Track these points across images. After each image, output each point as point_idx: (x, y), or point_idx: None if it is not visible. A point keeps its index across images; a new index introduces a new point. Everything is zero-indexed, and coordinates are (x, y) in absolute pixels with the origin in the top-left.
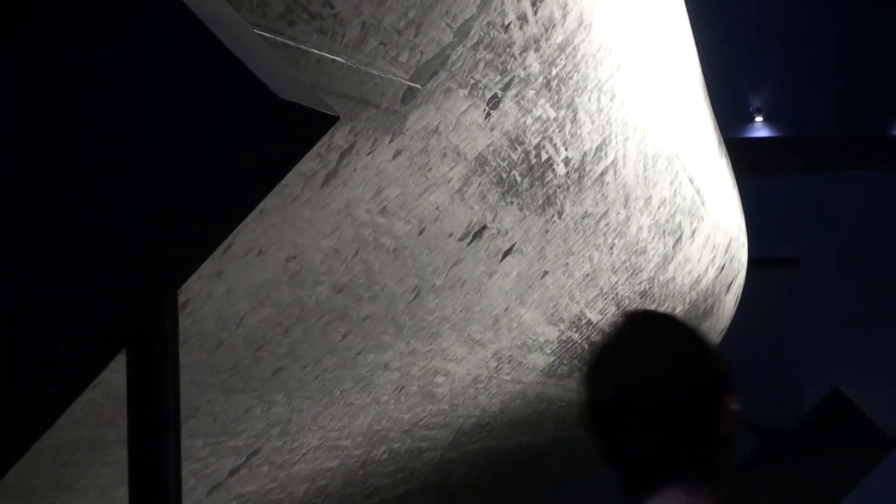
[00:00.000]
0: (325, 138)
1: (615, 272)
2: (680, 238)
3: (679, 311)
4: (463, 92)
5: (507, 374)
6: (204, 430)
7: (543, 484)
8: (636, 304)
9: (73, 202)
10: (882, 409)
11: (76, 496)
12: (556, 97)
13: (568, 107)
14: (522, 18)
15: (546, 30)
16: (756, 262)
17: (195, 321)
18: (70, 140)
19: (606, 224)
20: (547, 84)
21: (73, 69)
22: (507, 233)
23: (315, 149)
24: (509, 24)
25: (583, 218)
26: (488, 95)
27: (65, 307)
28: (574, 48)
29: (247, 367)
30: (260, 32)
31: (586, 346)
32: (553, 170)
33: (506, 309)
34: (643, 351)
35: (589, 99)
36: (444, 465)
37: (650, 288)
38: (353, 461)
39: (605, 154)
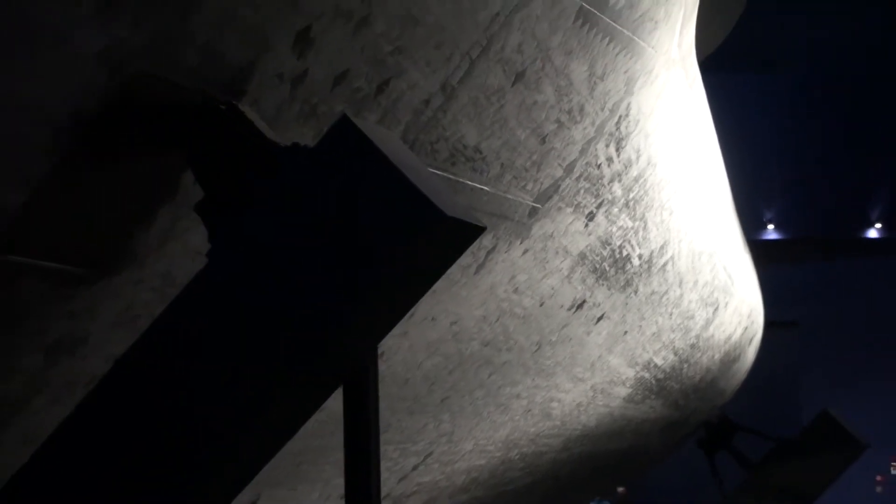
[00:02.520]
0: (477, 241)
1: (673, 331)
2: (717, 308)
3: (716, 358)
4: (569, 210)
5: (600, 401)
6: (394, 439)
7: (624, 476)
8: (687, 353)
9: (314, 300)
10: (859, 427)
11: (308, 484)
12: (632, 213)
13: (640, 219)
14: (609, 160)
15: (626, 167)
16: (768, 324)
17: (389, 365)
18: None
19: (667, 298)
20: (626, 204)
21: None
22: (599, 305)
23: (470, 248)
24: (601, 163)
25: (651, 294)
26: (586, 212)
27: (308, 356)
28: (644, 179)
29: (423, 396)
30: (432, 170)
31: (654, 382)
32: (631, 262)
33: (599, 357)
34: None
35: (655, 213)
36: (557, 463)
37: (697, 342)
38: (496, 460)
39: (666, 251)
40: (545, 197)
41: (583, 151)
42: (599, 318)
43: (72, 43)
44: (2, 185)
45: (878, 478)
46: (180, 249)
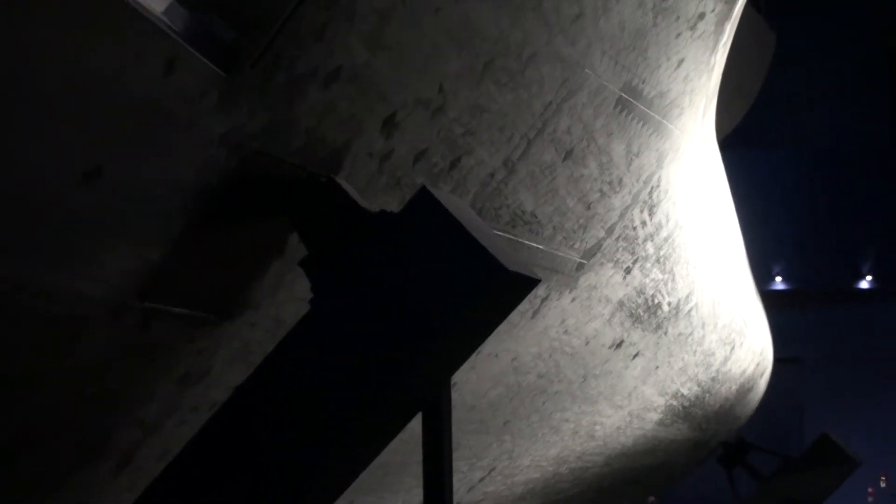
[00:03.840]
0: (533, 291)
1: (697, 366)
2: (734, 346)
3: (733, 389)
4: (610, 265)
5: (636, 425)
6: (464, 455)
7: (655, 487)
8: (707, 385)
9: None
10: (853, 447)
11: (392, 493)
12: (662, 267)
13: (669, 272)
14: (643, 223)
15: (657, 229)
16: (776, 360)
17: (460, 395)
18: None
19: (692, 339)
20: (657, 259)
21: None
22: (635, 344)
23: (527, 297)
24: (636, 226)
25: (678, 335)
26: (624, 267)
27: (393, 387)
28: (672, 239)
29: (488, 420)
30: (496, 232)
31: (681, 409)
32: (661, 308)
33: (634, 387)
34: None
35: (681, 267)
36: (600, 476)
37: (717, 375)
38: (548, 474)
39: (690, 299)
40: (590, 254)
41: (621, 216)
42: (635, 356)
43: (200, 128)
44: (143, 243)
45: (870, 490)
46: (288, 297)
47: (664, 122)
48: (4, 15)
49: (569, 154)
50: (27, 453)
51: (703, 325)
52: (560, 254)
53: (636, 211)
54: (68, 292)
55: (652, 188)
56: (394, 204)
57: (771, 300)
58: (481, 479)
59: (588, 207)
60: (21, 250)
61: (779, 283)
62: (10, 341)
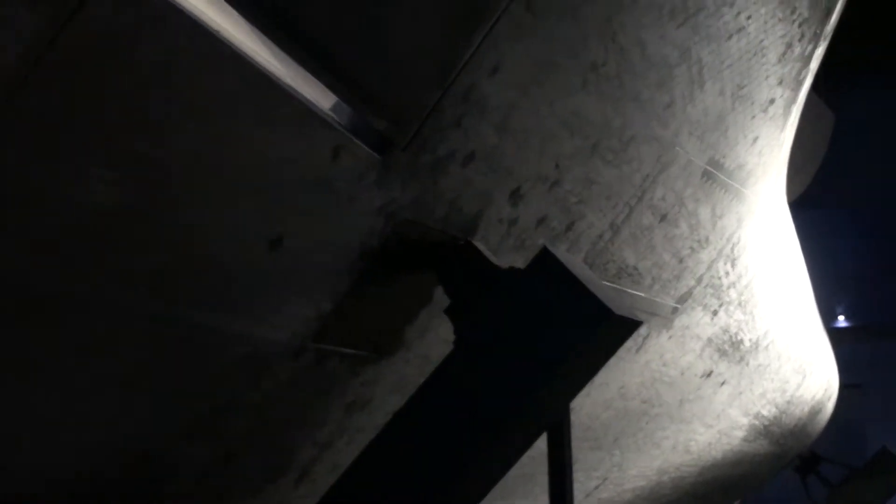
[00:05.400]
0: (636, 331)
1: (774, 392)
2: (805, 375)
3: (805, 411)
4: (700, 308)
5: (724, 441)
6: (581, 467)
7: (740, 493)
8: (783, 407)
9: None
10: None
11: (522, 499)
12: (744, 309)
13: (749, 314)
14: (727, 273)
15: (738, 278)
16: (842, 386)
17: (577, 417)
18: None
19: (770, 369)
20: (739, 303)
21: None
22: (722, 374)
23: (632, 336)
24: (721, 276)
25: (758, 366)
26: (712, 310)
27: (522, 412)
28: (752, 285)
29: (601, 438)
30: (605, 283)
31: (762, 427)
32: (743, 344)
33: (722, 410)
34: None
35: (759, 309)
36: (695, 484)
37: (791, 399)
38: (652, 482)
39: (768, 336)
40: (683, 300)
41: (708, 268)
42: (722, 383)
43: (361, 201)
44: (317, 296)
45: None
46: (435, 339)
47: (742, 189)
48: (207, 113)
49: (664, 217)
50: (229, 468)
51: (779, 357)
52: (658, 300)
53: (720, 263)
54: (257, 337)
55: (733, 244)
56: (520, 261)
57: (835, 335)
58: (596, 487)
59: (680, 261)
60: (220, 303)
61: (842, 321)
62: (213, 377)
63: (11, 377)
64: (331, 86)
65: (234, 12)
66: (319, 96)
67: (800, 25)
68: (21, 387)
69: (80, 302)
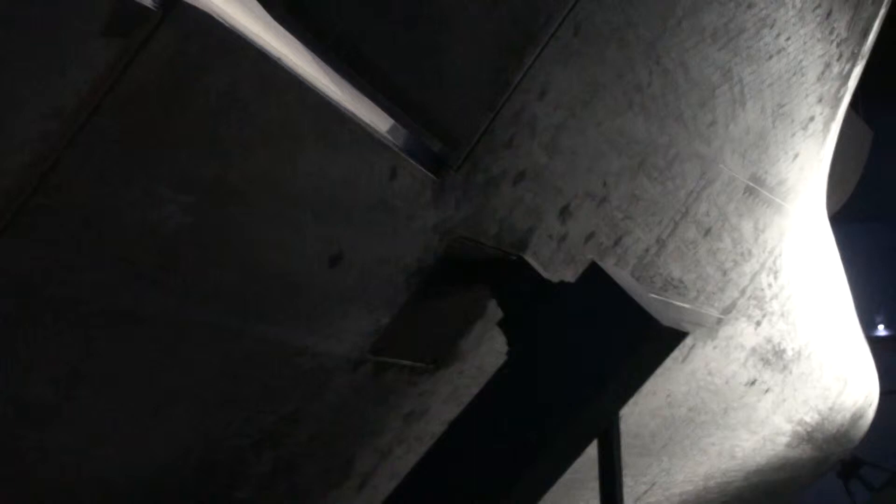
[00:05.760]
0: (683, 342)
1: (817, 398)
2: (846, 382)
3: (847, 417)
4: (744, 319)
5: (768, 447)
6: (630, 473)
7: (783, 496)
8: (825, 414)
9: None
10: None
11: (572, 501)
12: (786, 319)
13: (792, 324)
14: (769, 285)
15: (781, 289)
16: (882, 392)
17: (626, 424)
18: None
19: (812, 377)
20: (782, 314)
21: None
22: (766, 382)
23: (678, 346)
24: (763, 287)
25: (801, 374)
26: (755, 320)
27: (574, 420)
28: (793, 296)
29: (649, 445)
30: (652, 295)
31: (805, 433)
32: (786, 353)
33: (766, 417)
34: None
35: (801, 320)
36: (740, 489)
37: (833, 405)
38: (699, 487)
39: (810, 345)
40: (727, 311)
41: (751, 280)
42: (766, 391)
43: (417, 219)
44: (376, 310)
45: None
46: (488, 351)
47: (784, 204)
48: (272, 137)
49: (708, 232)
50: (293, 476)
51: (821, 366)
52: (703, 311)
53: (763, 275)
54: (320, 349)
55: (775, 257)
56: (569, 275)
57: (875, 344)
58: (645, 492)
59: (724, 274)
60: (284, 317)
61: (881, 331)
62: (278, 388)
63: (89, 390)
64: (388, 110)
65: (296, 41)
66: (377, 120)
67: (838, 45)
68: (98, 400)
69: (153, 317)
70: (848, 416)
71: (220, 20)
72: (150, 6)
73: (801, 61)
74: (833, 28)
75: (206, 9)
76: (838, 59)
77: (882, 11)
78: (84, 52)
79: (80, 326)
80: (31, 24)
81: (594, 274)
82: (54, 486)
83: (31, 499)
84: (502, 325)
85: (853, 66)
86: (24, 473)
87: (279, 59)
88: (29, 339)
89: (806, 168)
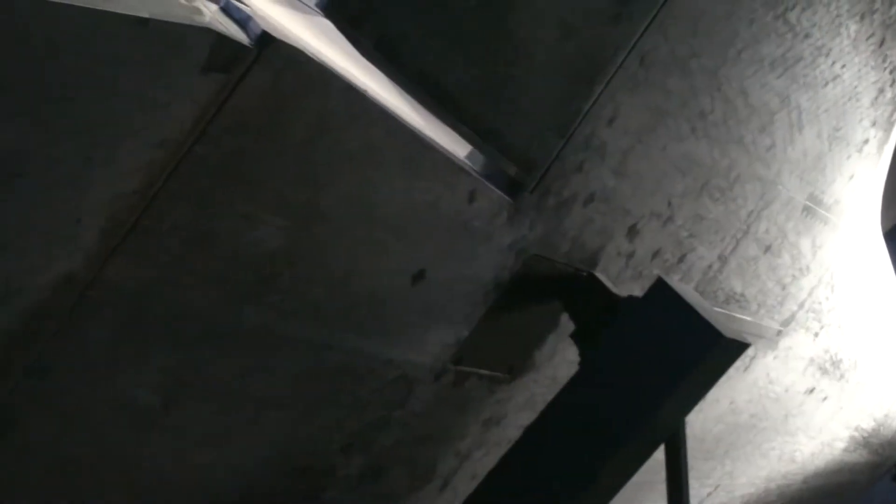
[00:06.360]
0: (744, 353)
1: (873, 406)
2: None
3: None
4: (802, 331)
5: (826, 451)
6: (695, 476)
7: (841, 498)
8: (881, 420)
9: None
10: None
11: (640, 503)
12: (843, 331)
13: (849, 336)
14: (827, 298)
15: (838, 302)
16: None
17: (692, 430)
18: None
19: (867, 385)
20: (839, 325)
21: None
22: (824, 390)
23: (740, 357)
24: (821, 301)
25: (857, 383)
26: (813, 332)
27: (643, 426)
28: (848, 310)
29: (713, 449)
30: (715, 309)
31: (861, 439)
32: (843, 362)
33: (824, 423)
34: None
35: (858, 331)
36: (800, 491)
37: (889, 412)
38: (760, 490)
39: (864, 356)
40: (787, 323)
41: (810, 293)
42: (824, 399)
43: (494, 239)
44: (456, 324)
45: None
46: (561, 361)
47: (840, 222)
48: (359, 163)
49: (768, 249)
50: (380, 478)
51: (876, 375)
52: (764, 324)
53: (821, 289)
54: (404, 360)
55: (832, 272)
56: (637, 290)
57: None
58: (709, 494)
59: (784, 288)
60: (371, 331)
61: None
62: (365, 397)
63: (192, 398)
64: (466, 137)
65: (381, 74)
66: (457, 146)
67: (891, 72)
68: (200, 407)
69: (250, 331)
70: None
71: (311, 55)
72: (246, 44)
73: (855, 87)
74: (886, 56)
75: (297, 45)
76: (891, 85)
77: None
78: (187, 88)
79: (184, 339)
80: (143, 63)
81: (661, 289)
82: (159, 487)
83: (138, 499)
84: (574, 337)
85: None
86: (133, 475)
87: (365, 90)
88: (137, 350)
89: (860, 188)
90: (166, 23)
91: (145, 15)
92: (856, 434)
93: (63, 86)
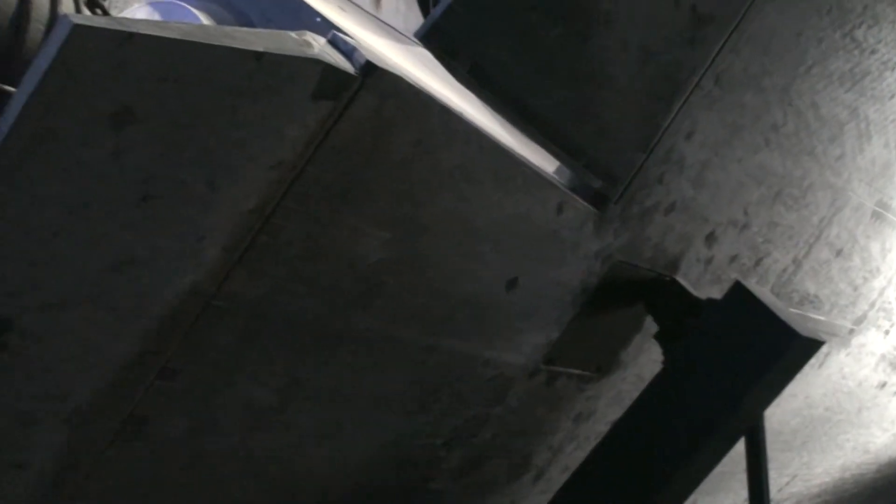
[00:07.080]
0: (819, 350)
1: None
2: None
3: None
4: (874, 329)
5: (892, 444)
6: (774, 467)
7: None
8: None
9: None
10: None
11: (723, 494)
12: None
13: None
14: None
15: None
16: None
17: (770, 423)
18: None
19: None
20: None
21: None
22: (895, 384)
23: (814, 355)
24: (891, 301)
25: None
26: (884, 329)
27: (724, 420)
28: None
29: (790, 441)
30: (791, 310)
31: None
32: None
33: None
34: None
35: None
36: (874, 479)
37: None
38: (835, 479)
39: None
40: (858, 322)
41: (880, 294)
42: (895, 394)
43: (582, 247)
44: (547, 326)
45: None
46: (646, 360)
47: None
48: (456, 179)
49: (839, 252)
50: (479, 470)
51: None
52: (837, 322)
53: (891, 290)
54: (500, 361)
55: None
56: (716, 293)
57: None
58: (787, 483)
59: (855, 289)
60: (470, 334)
61: None
62: (465, 395)
63: (307, 398)
64: (554, 153)
65: (475, 97)
66: (545, 162)
67: None
68: (314, 406)
69: (359, 335)
70: None
71: (411, 82)
72: (352, 73)
73: None
74: None
75: (398, 73)
76: None
77: None
78: (299, 114)
79: (298, 343)
80: (259, 93)
81: (739, 292)
82: (278, 480)
83: (261, 492)
84: (658, 337)
85: None
86: (254, 469)
87: (461, 113)
88: (257, 354)
89: None
90: (280, 55)
91: (260, 49)
92: None
93: (189, 115)
